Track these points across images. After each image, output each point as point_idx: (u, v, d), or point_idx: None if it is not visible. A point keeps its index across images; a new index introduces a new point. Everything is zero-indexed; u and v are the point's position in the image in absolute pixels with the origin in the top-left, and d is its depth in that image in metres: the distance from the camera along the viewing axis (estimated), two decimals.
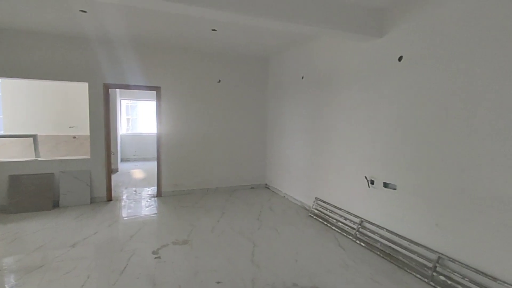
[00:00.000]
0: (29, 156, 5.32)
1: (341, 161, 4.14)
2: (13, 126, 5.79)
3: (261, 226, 4.11)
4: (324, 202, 4.48)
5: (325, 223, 4.21)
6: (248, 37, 4.67)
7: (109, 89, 5.16)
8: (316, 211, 4.55)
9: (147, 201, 5.23)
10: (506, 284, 2.26)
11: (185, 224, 4.11)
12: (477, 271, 2.46)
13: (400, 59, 3.22)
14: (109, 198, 5.16)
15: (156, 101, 5.45)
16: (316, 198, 4.65)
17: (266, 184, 6.43)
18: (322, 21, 3.19)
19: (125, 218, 4.33)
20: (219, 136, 5.91)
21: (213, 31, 4.35)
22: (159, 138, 5.49)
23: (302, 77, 5.05)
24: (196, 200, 5.30)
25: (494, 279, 2.35)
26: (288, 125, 5.53)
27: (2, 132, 5.93)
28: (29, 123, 5.93)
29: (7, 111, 5.78)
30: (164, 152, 5.50)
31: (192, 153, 5.72)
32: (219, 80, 5.82)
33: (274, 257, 3.23)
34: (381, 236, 3.42)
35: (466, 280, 2.52)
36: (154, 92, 5.46)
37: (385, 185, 3.43)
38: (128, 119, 11.80)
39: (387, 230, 3.36)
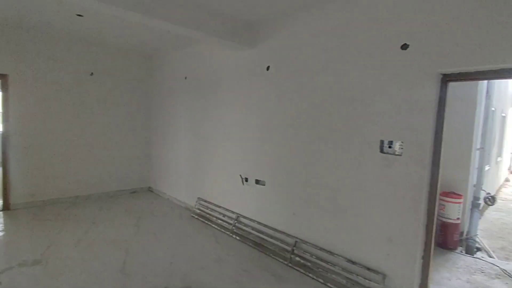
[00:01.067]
0: None
1: (221, 161, 4.33)
2: None
3: (138, 232, 3.88)
4: (206, 201, 4.59)
5: (206, 222, 4.32)
6: (124, 30, 4.32)
7: None
8: (199, 211, 4.61)
9: None
10: (338, 256, 2.85)
11: (39, 241, 3.48)
12: (321, 248, 3.01)
13: (268, 68, 3.61)
14: None
15: (2, 93, 4.40)
16: (198, 198, 4.71)
17: (149, 187, 6.10)
18: (201, 27, 3.27)
19: None
20: (93, 135, 5.25)
21: (78, 17, 3.83)
22: (6, 139, 4.45)
23: (186, 78, 5.02)
24: (60, 212, 4.55)
25: (331, 253, 2.92)
26: (172, 125, 5.40)
27: None
28: None
29: None
30: (15, 155, 4.49)
31: (57, 155, 4.88)
32: (92, 73, 5.17)
33: (148, 262, 3.10)
34: (253, 228, 3.75)
35: (314, 257, 3.04)
36: None
37: (257, 182, 3.78)
38: None
39: (258, 222, 3.71)
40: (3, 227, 3.86)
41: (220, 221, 4.20)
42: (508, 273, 3.25)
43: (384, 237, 2.57)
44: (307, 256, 3.11)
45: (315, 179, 3.10)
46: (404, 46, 2.43)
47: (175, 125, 5.31)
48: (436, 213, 2.47)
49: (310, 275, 2.94)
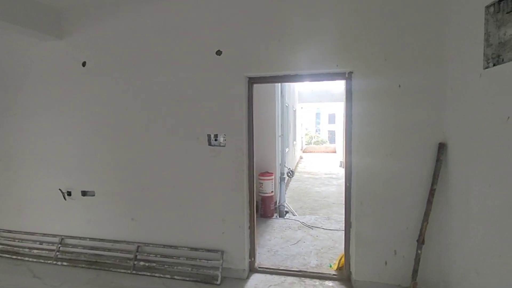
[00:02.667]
0: None
1: (30, 176, 3.47)
2: None
3: None
4: (9, 231, 3.56)
5: (14, 257, 3.37)
6: None
7: None
8: (0, 247, 3.52)
9: None
10: (182, 248, 3.00)
11: None
12: (164, 246, 3.06)
13: (84, 64, 3.20)
14: None
15: None
16: None
17: None
18: None
19: None
20: None
21: None
22: None
23: None
24: None
25: (175, 247, 3.04)
26: None
27: None
28: None
29: None
30: None
31: None
32: None
33: None
34: (85, 247, 3.29)
35: (158, 256, 3.05)
36: None
37: (84, 193, 3.32)
38: None
39: (90, 239, 3.29)
40: None
41: (36, 251, 3.39)
42: (305, 224, 4.48)
43: (219, 219, 2.94)
44: (152, 257, 3.08)
45: (152, 179, 3.09)
46: (218, 52, 2.82)
47: None
48: (255, 190, 3.08)
49: (156, 274, 2.94)
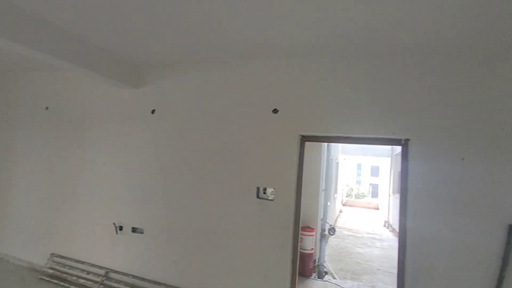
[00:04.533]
0: None
1: (88, 208, 3.78)
2: None
3: None
4: (63, 257, 3.80)
5: (62, 283, 3.55)
6: None
7: None
8: (51, 271, 3.75)
9: None
10: None
11: None
12: None
13: (153, 112, 3.59)
14: None
15: None
16: (52, 254, 3.85)
17: None
18: (82, 61, 2.98)
19: None
20: None
21: None
22: None
23: (47, 108, 4.27)
24: None
25: None
26: (19, 164, 4.34)
27: None
28: None
29: None
30: None
31: None
32: None
33: None
34: (126, 284, 3.37)
35: None
36: None
37: (134, 230, 3.49)
38: None
39: (134, 276, 3.38)
40: None
41: (81, 281, 3.55)
42: None
43: (261, 274, 2.86)
44: None
45: (197, 224, 3.18)
46: (275, 111, 3.01)
47: (22, 164, 4.30)
48: (298, 247, 3.00)
49: None
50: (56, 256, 3.84)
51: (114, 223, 3.55)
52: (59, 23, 2.69)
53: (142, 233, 3.44)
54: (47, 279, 3.66)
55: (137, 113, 3.66)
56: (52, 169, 4.09)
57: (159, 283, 3.24)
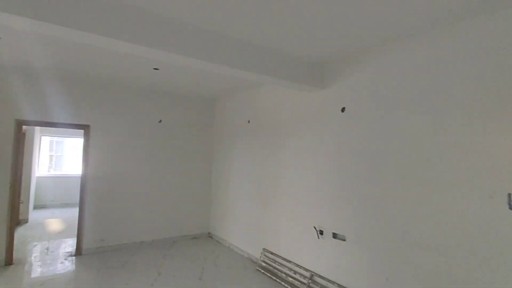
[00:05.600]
0: None
1: (290, 210, 3.99)
2: None
3: None
4: (272, 253, 4.19)
5: (274, 278, 3.89)
6: (192, 79, 4.50)
7: (23, 126, 4.36)
8: (264, 264, 4.22)
9: (62, 263, 4.27)
10: None
11: None
12: None
13: (343, 110, 3.33)
14: (9, 262, 4.08)
15: (84, 141, 4.76)
16: (263, 249, 4.34)
17: (209, 233, 5.91)
18: (269, 71, 3.18)
19: None
20: (157, 180, 5.35)
21: (155, 70, 4.07)
22: (84, 183, 4.70)
23: (249, 121, 4.98)
24: (127, 258, 4.52)
25: None
26: (234, 170, 5.29)
27: None
28: None
29: None
30: (89, 199, 4.70)
31: (125, 200, 5.01)
32: (160, 120, 5.42)
33: None
34: None
35: None
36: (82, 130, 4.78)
37: (334, 235, 3.33)
38: (51, 156, 10.14)
39: (338, 285, 3.19)
40: (74, 275, 3.88)
41: (290, 279, 3.74)
42: None
43: None
44: None
45: (417, 237, 2.57)
46: None
47: (237, 170, 5.19)
48: None
49: None
50: (267, 252, 4.29)
51: (314, 227, 3.53)
52: (251, 39, 2.94)
53: (344, 240, 3.21)
54: (262, 271, 4.12)
55: (326, 114, 3.52)
56: (257, 175, 4.66)
57: None
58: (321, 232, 3.47)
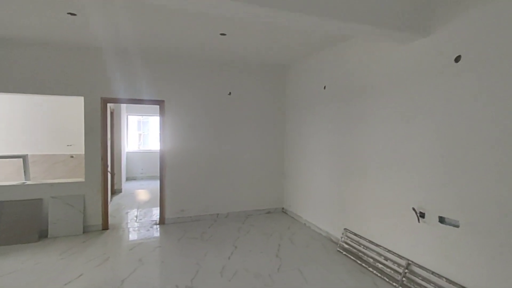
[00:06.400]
0: (22, 179, 4.79)
1: (378, 186, 3.40)
2: (7, 145, 5.33)
3: (281, 266, 3.38)
4: (355, 235, 3.72)
5: (359, 262, 3.44)
6: (262, 42, 4.09)
7: (108, 104, 4.65)
8: (346, 246, 3.78)
9: (148, 230, 4.57)
10: None
11: (189, 263, 3.42)
12: None
13: (457, 59, 2.53)
14: (105, 227, 4.54)
15: (160, 116, 4.89)
16: (345, 229, 3.89)
17: (283, 208, 5.70)
18: (355, 16, 2.54)
19: (118, 255, 3.67)
20: (230, 154, 5.28)
21: (222, 36, 3.80)
22: (162, 157, 4.89)
23: (324, 87, 4.40)
24: (204, 229, 4.61)
25: None
26: (310, 142, 4.84)
27: None
28: (24, 141, 5.47)
29: (1, 129, 5.34)
30: (168, 172, 4.89)
31: (200, 173, 5.09)
32: (230, 93, 5.24)
33: None
34: (436, 286, 2.63)
35: None
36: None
37: (441, 220, 2.67)
38: (139, 135, 11.42)
39: (447, 280, 2.57)
40: (159, 243, 4.09)
41: (379, 265, 3.24)
42: None
43: None
44: None
45: None
46: None
47: (314, 142, 4.73)
48: None
49: None
50: (349, 232, 3.83)
51: (413, 208, 2.91)
52: None
53: (457, 226, 2.54)
54: (344, 253, 3.70)
55: (431, 69, 2.75)
56: (337, 147, 4.13)
57: None
58: (422, 215, 2.84)
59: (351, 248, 3.72)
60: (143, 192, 7.40)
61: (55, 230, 4.16)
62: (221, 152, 5.21)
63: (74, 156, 5.69)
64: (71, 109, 5.82)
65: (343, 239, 3.87)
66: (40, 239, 4.04)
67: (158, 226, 4.78)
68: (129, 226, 4.74)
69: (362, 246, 3.56)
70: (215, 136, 5.17)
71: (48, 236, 4.13)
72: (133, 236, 4.34)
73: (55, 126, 5.80)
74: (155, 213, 5.45)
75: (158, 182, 5.02)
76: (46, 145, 5.69)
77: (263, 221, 5.09)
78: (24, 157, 4.52)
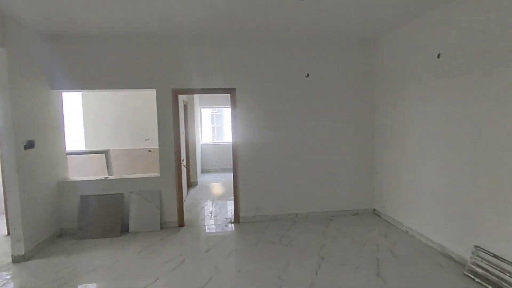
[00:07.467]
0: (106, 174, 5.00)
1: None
2: (94, 141, 5.69)
3: None
4: (495, 256, 2.66)
5: None
6: (348, 5, 3.24)
7: (180, 96, 4.43)
8: (479, 270, 2.76)
9: (223, 229, 4.26)
10: None
11: (270, 276, 2.90)
12: None
13: None
14: (181, 223, 4.38)
15: (231, 106, 4.48)
16: (476, 247, 2.85)
17: (374, 210, 4.77)
18: None
19: (193, 258, 3.38)
20: (309, 146, 4.59)
21: (301, 1, 3.09)
22: (235, 150, 4.49)
23: (438, 56, 3.32)
24: (283, 232, 4.06)
25: None
26: (412, 129, 3.81)
27: (83, 148, 5.92)
28: (108, 137, 5.77)
29: (89, 125, 5.72)
30: (241, 166, 4.47)
31: (276, 167, 4.54)
32: (308, 74, 4.51)
33: None
34: None
35: None
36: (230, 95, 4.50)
37: None
38: (213, 128, 11.68)
39: None
40: (235, 246, 3.70)
41: None
42: None
43: None
44: None
45: None
46: None
47: (418, 128, 3.70)
48: None
49: None
50: (482, 251, 2.78)
51: None
52: None
53: None
54: (477, 280, 2.70)
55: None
56: (458, 135, 3.07)
57: None
58: None
59: (487, 274, 2.68)
60: (218, 185, 7.28)
61: (135, 225, 4.15)
62: (298, 144, 4.56)
63: (151, 150, 5.77)
64: (149, 103, 5.90)
65: (473, 260, 2.84)
66: (122, 234, 4.06)
67: (233, 225, 4.43)
68: (204, 224, 4.51)
69: (508, 274, 2.51)
70: (292, 126, 4.53)
71: (129, 230, 4.14)
72: (208, 236, 4.06)
73: (135, 121, 5.98)
74: (230, 208, 5.15)
75: (231, 174, 4.67)
76: (127, 140, 5.91)
77: (350, 224, 4.29)
78: (106, 152, 4.66)
